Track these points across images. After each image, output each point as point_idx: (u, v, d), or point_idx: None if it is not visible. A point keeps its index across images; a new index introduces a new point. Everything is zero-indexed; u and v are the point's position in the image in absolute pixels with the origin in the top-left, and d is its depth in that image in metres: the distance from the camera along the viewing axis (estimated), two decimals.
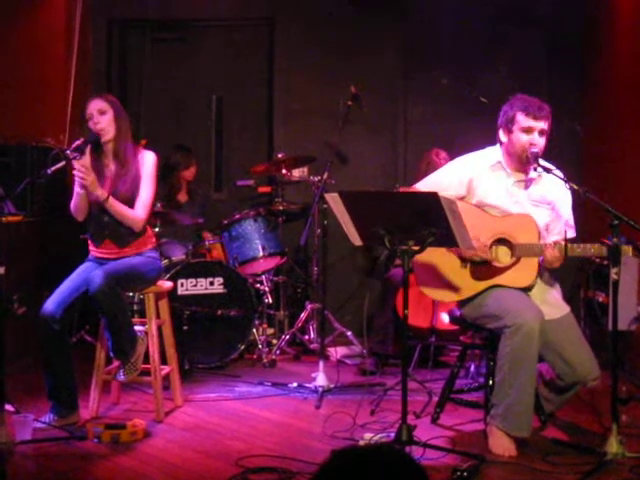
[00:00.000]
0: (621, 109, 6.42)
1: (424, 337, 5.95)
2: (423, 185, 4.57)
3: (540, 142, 4.35)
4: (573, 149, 6.96)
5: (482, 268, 4.38)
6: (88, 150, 4.61)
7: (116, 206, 4.65)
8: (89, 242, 4.84)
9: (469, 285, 4.41)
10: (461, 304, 4.51)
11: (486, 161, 4.50)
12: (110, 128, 4.68)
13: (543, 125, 4.35)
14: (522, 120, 4.35)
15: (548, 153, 4.44)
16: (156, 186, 4.81)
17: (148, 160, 4.76)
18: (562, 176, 4.33)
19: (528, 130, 4.34)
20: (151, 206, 4.79)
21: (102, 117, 4.67)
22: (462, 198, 4.45)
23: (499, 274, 4.36)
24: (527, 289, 4.37)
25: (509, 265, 4.35)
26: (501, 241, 4.36)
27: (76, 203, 4.70)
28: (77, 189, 4.67)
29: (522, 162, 4.40)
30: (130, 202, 4.70)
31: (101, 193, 4.61)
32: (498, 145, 4.52)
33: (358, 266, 7.06)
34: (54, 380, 4.64)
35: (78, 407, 4.72)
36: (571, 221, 4.49)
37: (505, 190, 4.44)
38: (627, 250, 4.07)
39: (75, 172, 4.54)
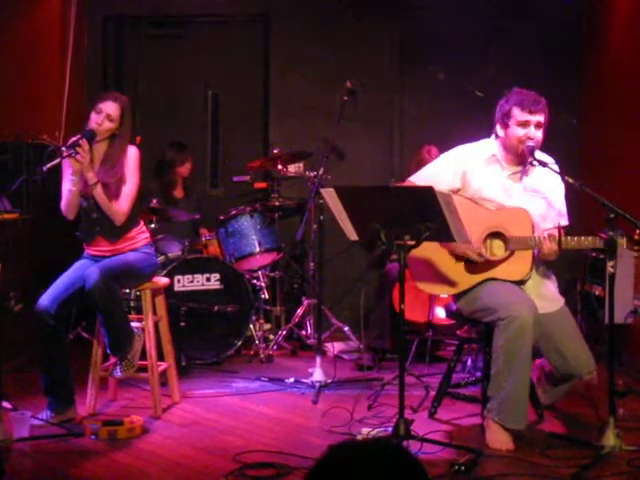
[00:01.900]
0: (619, 103, 6.42)
1: (421, 332, 5.96)
2: (417, 178, 4.57)
3: (537, 135, 4.35)
4: (571, 143, 6.95)
5: (476, 262, 4.38)
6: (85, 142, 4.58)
7: (102, 195, 4.63)
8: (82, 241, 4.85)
9: (464, 279, 4.42)
10: (456, 298, 4.52)
11: (481, 154, 4.50)
12: (106, 134, 4.68)
13: (539, 118, 4.35)
14: (518, 114, 4.35)
15: (545, 147, 4.45)
16: (139, 180, 4.78)
17: (130, 155, 4.74)
18: (558, 170, 4.34)
19: (524, 124, 4.35)
20: (134, 199, 4.75)
21: (107, 123, 4.65)
22: (457, 191, 4.45)
23: (493, 267, 4.37)
24: (521, 282, 4.38)
25: (503, 258, 4.36)
26: (495, 234, 4.37)
27: (68, 200, 4.69)
28: (69, 186, 4.66)
29: (519, 155, 4.41)
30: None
31: (92, 176, 4.59)
32: (493, 138, 4.52)
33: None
34: (50, 376, 4.64)
35: (75, 403, 4.71)
36: (564, 210, 4.51)
37: (500, 183, 4.44)
38: (621, 242, 4.08)
39: (77, 150, 4.51)
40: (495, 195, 4.42)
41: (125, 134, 4.73)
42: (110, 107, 4.66)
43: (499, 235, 4.36)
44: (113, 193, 4.65)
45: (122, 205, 4.68)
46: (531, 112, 4.34)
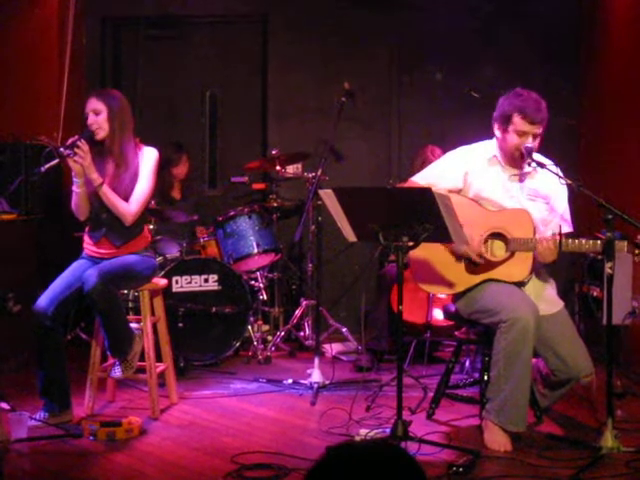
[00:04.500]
0: (617, 104, 6.42)
1: (419, 333, 5.96)
2: (420, 178, 4.55)
3: (534, 145, 4.32)
4: (568, 145, 6.95)
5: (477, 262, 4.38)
6: (84, 142, 4.58)
7: (109, 195, 4.63)
8: (86, 239, 4.83)
9: (463, 279, 4.41)
10: (455, 298, 4.52)
11: (483, 154, 4.49)
12: (104, 127, 4.66)
13: (539, 130, 4.31)
14: (518, 123, 4.30)
15: (543, 148, 4.44)
16: (154, 183, 4.79)
17: (148, 156, 4.76)
18: (556, 171, 4.33)
19: (523, 134, 4.31)
20: (145, 202, 4.76)
21: (96, 117, 4.65)
22: (459, 191, 4.45)
23: (493, 268, 4.36)
24: (521, 284, 4.37)
25: (503, 259, 4.35)
26: (496, 235, 4.36)
27: (75, 202, 4.69)
28: (74, 188, 4.65)
29: (514, 159, 4.40)
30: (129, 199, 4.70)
31: (96, 177, 4.59)
32: (495, 139, 4.50)
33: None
34: (45, 377, 4.62)
35: (71, 406, 4.70)
36: (567, 215, 4.47)
37: (501, 184, 4.43)
38: (622, 246, 4.06)
39: (76, 151, 4.51)
40: (496, 196, 4.41)
41: (120, 123, 4.68)
42: (92, 104, 4.68)
43: (500, 236, 4.35)
44: (128, 185, 4.65)
45: (132, 206, 4.68)
46: (532, 123, 4.28)
